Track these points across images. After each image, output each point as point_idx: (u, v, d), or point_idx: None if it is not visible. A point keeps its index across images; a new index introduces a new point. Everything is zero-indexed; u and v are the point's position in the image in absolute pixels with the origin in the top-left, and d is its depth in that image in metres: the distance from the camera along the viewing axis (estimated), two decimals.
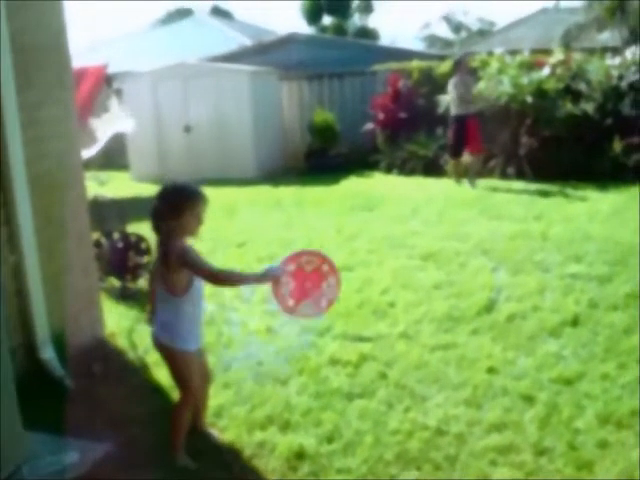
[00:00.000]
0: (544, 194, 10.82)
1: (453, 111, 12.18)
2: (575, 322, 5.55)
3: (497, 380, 4.65)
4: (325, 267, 3.70)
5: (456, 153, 12.27)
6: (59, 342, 5.07)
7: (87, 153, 15.14)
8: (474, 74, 12.86)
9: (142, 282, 6.77)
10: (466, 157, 12.30)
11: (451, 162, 12.55)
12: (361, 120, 14.96)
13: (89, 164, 11.76)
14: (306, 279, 3.65)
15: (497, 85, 12.73)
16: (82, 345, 5.33)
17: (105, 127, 12.60)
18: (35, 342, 4.91)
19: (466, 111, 11.98)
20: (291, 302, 3.68)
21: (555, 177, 11.73)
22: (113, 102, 13.48)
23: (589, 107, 12.20)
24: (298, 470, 3.74)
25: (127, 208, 7.87)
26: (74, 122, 5.47)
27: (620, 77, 12.47)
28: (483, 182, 12.15)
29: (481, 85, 12.85)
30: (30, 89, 4.88)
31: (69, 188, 5.34)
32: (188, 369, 3.72)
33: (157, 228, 3.57)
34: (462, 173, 12.28)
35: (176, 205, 3.53)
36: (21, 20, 4.78)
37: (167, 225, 3.52)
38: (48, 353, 4.95)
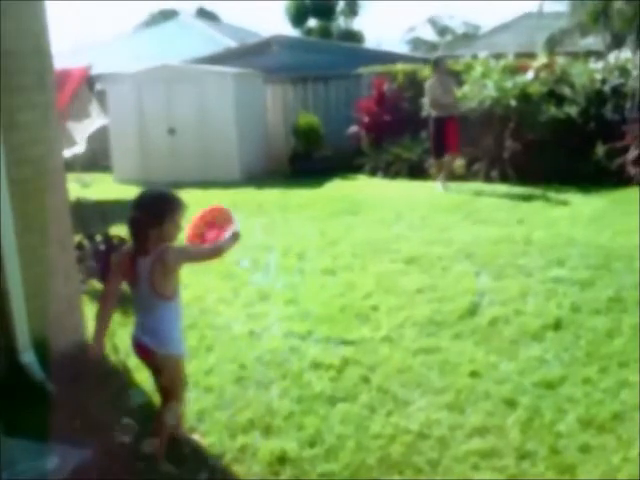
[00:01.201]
0: (527, 198, 10.86)
1: (431, 113, 12.15)
2: (557, 326, 5.56)
3: (480, 384, 4.65)
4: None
5: (437, 155, 12.27)
6: (40, 346, 5.03)
7: (66, 153, 15.10)
8: (456, 76, 12.89)
9: (125, 286, 6.72)
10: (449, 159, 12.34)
11: (434, 164, 12.56)
12: (346, 123, 14.96)
13: (72, 166, 11.72)
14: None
15: (481, 89, 12.78)
16: (63, 349, 5.29)
17: (84, 131, 12.57)
18: (16, 346, 4.86)
19: (444, 113, 11.94)
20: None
21: (538, 181, 11.77)
22: (94, 106, 13.44)
23: (573, 111, 12.28)
24: (280, 474, 3.73)
25: (110, 211, 7.83)
26: (55, 126, 5.42)
27: (603, 81, 12.55)
28: (467, 185, 12.19)
29: (465, 89, 12.89)
30: (9, 93, 4.83)
31: (50, 192, 5.29)
32: (180, 374, 3.74)
33: (136, 237, 3.55)
34: (447, 176, 12.30)
35: (157, 213, 3.51)
36: (1, 24, 4.74)
37: (148, 234, 3.50)
38: (29, 357, 4.90)
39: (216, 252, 3.74)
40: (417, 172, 13.30)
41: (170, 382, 3.75)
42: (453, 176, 12.61)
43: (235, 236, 3.75)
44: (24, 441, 4.07)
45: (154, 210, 3.52)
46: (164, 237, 3.53)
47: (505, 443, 3.95)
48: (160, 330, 3.65)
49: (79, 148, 15.75)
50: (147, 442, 3.79)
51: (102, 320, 3.72)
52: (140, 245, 3.54)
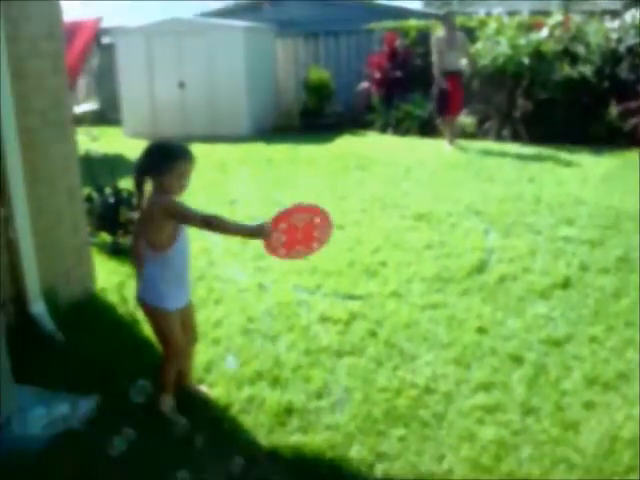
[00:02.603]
0: (538, 157, 10.80)
1: (436, 68, 11.96)
2: (565, 285, 5.57)
3: (486, 340, 4.67)
4: (317, 219, 3.67)
5: (440, 111, 12.12)
6: (50, 297, 5.06)
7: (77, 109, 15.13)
8: (469, 33, 12.72)
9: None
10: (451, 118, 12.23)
11: (440, 121, 12.43)
12: (356, 79, 14.86)
13: (81, 120, 11.69)
14: (297, 231, 3.64)
15: (494, 46, 12.63)
16: (73, 300, 5.33)
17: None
18: (26, 297, 4.90)
19: (449, 68, 11.78)
20: (283, 252, 3.67)
21: (550, 140, 11.69)
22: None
23: (587, 70, 12.12)
24: (287, 425, 3.76)
25: (119, 164, 7.82)
26: (63, 76, 5.38)
27: (619, 40, 12.36)
28: (477, 144, 12.11)
29: (478, 46, 12.74)
30: (18, 41, 4.79)
31: (58, 143, 5.29)
32: (169, 327, 3.70)
33: (139, 184, 3.55)
34: (455, 133, 12.20)
35: (160, 163, 3.50)
36: None
37: (151, 181, 3.52)
38: (39, 308, 4.94)
39: (212, 229, 3.65)
40: (428, 129, 13.22)
41: (159, 335, 3.77)
42: (463, 134, 12.53)
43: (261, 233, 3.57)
44: (34, 389, 4.11)
45: (158, 159, 3.52)
46: (164, 188, 3.51)
47: (510, 399, 3.97)
48: (148, 281, 3.66)
49: (91, 105, 15.78)
50: (161, 400, 3.83)
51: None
52: (140, 194, 3.55)
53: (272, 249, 3.63)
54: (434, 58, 11.99)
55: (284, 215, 3.59)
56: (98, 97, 17.02)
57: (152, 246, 3.57)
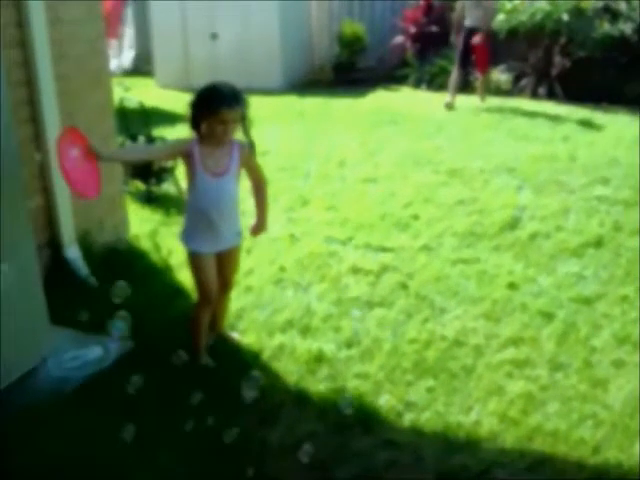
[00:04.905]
0: (573, 116, 10.62)
1: (462, 23, 11.63)
2: (598, 244, 5.54)
3: (516, 296, 4.68)
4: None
5: (461, 65, 11.85)
6: (84, 242, 5.13)
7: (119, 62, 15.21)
8: None
9: (166, 186, 6.80)
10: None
11: (454, 75, 12.07)
12: (391, 33, 14.65)
13: (115, 72, 11.66)
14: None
15: (533, 1, 12.38)
16: (106, 246, 5.38)
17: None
18: (60, 241, 4.96)
19: (476, 24, 11.39)
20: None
21: (586, 100, 11.47)
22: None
23: (627, 28, 11.83)
24: (316, 373, 3.81)
25: (152, 114, 7.83)
26: (98, 24, 5.37)
27: None
28: (512, 101, 11.93)
29: (516, 1, 12.49)
30: None
31: (93, 90, 5.30)
32: (200, 270, 3.75)
33: (195, 122, 3.61)
34: (485, 89, 11.97)
35: (201, 105, 3.54)
36: None
37: (196, 120, 3.59)
38: (73, 252, 5.01)
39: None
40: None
41: (193, 278, 3.84)
42: (498, 91, 12.35)
43: None
44: (69, 331, 4.19)
45: (202, 101, 3.55)
46: (208, 131, 3.56)
47: (539, 354, 3.99)
48: (184, 224, 3.79)
49: (125, 59, 15.76)
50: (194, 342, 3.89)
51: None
52: (197, 132, 3.63)
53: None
54: (456, 15, 11.75)
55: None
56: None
57: (187, 188, 3.70)
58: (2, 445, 3.19)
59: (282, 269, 5.10)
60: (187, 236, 3.74)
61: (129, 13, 16.70)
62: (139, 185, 6.79)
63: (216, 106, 3.50)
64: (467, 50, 11.51)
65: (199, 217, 3.69)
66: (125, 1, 16.18)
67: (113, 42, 15.29)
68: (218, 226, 3.72)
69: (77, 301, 4.52)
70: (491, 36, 11.73)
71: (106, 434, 3.20)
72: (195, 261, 3.75)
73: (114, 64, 14.95)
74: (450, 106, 11.41)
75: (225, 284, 3.96)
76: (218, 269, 3.80)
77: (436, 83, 13.39)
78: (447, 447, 3.28)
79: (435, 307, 4.54)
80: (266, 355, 3.99)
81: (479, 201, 6.54)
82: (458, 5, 11.80)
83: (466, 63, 11.72)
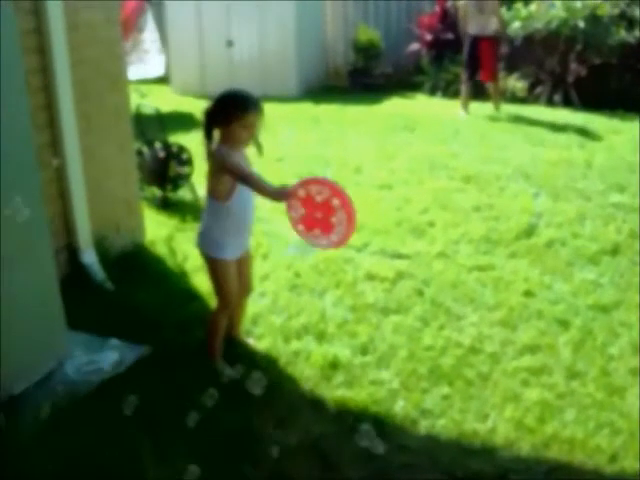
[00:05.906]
0: (590, 123, 10.57)
1: (467, 31, 11.49)
2: (615, 251, 5.51)
3: (533, 303, 4.66)
4: (335, 201, 3.47)
5: (469, 76, 11.79)
6: (100, 247, 5.15)
7: (152, 71, 15.27)
8: None
9: (183, 192, 6.83)
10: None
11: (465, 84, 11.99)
12: (406, 40, 14.65)
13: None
14: (316, 209, 3.51)
15: (548, 8, 12.34)
16: (122, 251, 5.41)
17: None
18: (77, 246, 4.99)
19: (481, 32, 11.29)
20: (300, 227, 3.61)
21: (602, 106, 11.43)
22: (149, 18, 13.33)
23: None
24: (332, 379, 3.81)
25: (168, 120, 7.86)
26: (116, 28, 5.40)
27: None
28: (528, 109, 11.90)
29: (532, 8, 12.47)
30: None
31: (110, 94, 5.33)
32: (223, 277, 3.74)
33: (208, 132, 3.58)
34: (499, 96, 11.92)
35: (226, 112, 3.52)
36: None
37: (219, 130, 3.56)
38: (90, 257, 5.04)
39: (249, 185, 3.58)
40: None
41: (214, 284, 3.81)
42: (513, 98, 12.32)
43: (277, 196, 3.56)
44: (85, 336, 4.21)
45: (224, 108, 3.54)
46: (231, 138, 3.54)
47: (555, 361, 3.98)
48: (206, 229, 3.73)
49: (155, 70, 15.84)
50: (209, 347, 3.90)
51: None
52: (209, 142, 3.59)
53: (293, 221, 3.62)
54: (460, 22, 11.71)
55: (302, 183, 3.51)
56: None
57: (212, 195, 3.62)
58: (19, 447, 3.21)
59: (298, 275, 5.10)
60: (215, 243, 3.69)
61: (149, 18, 16.78)
62: (155, 191, 6.81)
63: (243, 110, 3.51)
64: (472, 59, 11.47)
65: (235, 224, 3.68)
66: (145, 2, 16.22)
67: (137, 47, 15.40)
68: (244, 232, 3.77)
69: (93, 305, 4.55)
70: (497, 42, 11.68)
71: (121, 438, 3.21)
72: (221, 268, 3.73)
73: (142, 70, 15.10)
74: (463, 117, 11.39)
75: (245, 288, 3.98)
76: (238, 273, 3.82)
77: (451, 90, 13.36)
78: (463, 453, 3.27)
79: (451, 314, 4.52)
80: (282, 361, 3.99)
81: (495, 207, 6.52)
82: (460, 12, 11.77)
83: (473, 73, 11.66)
